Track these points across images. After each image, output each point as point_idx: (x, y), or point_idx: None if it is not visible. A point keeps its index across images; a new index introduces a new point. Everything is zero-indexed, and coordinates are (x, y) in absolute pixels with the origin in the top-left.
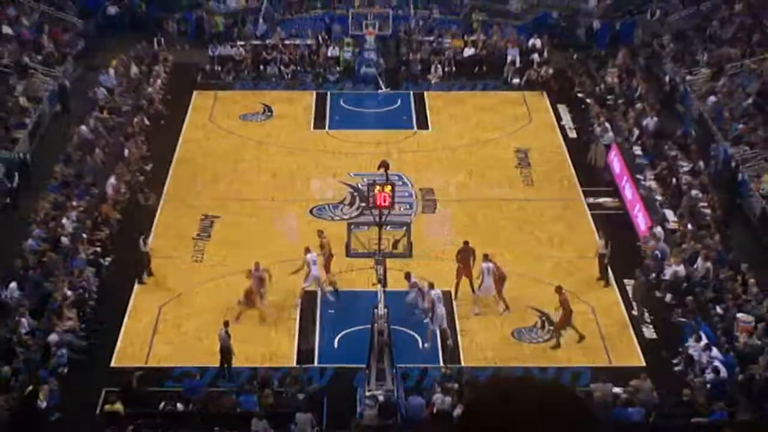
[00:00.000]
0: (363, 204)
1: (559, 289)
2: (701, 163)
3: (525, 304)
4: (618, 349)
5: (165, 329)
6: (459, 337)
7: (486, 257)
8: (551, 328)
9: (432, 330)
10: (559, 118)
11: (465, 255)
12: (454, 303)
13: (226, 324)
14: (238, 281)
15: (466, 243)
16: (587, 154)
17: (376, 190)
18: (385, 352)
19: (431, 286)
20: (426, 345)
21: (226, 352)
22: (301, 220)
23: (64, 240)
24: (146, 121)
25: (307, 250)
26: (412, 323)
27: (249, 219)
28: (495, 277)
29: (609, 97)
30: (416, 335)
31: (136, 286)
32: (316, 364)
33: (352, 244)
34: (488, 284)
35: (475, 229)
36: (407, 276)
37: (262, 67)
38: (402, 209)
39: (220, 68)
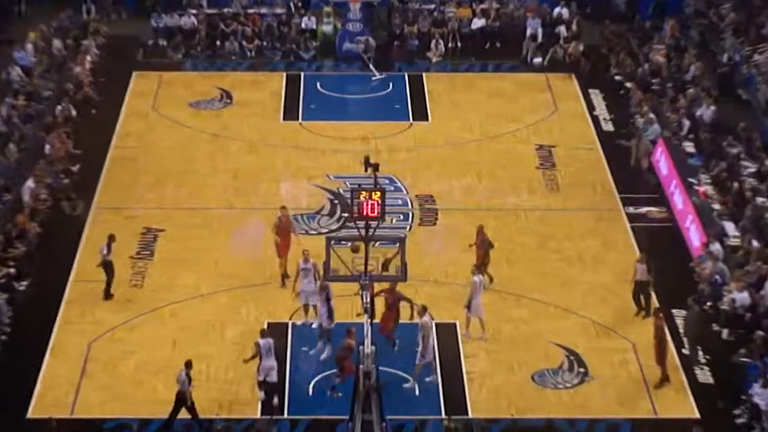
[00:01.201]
0: (345, 214)
1: (656, 312)
2: None
3: (548, 339)
4: (665, 396)
5: (96, 371)
6: (466, 381)
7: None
8: (581, 369)
9: (423, 364)
10: (591, 107)
11: (392, 295)
12: (460, 339)
13: (188, 365)
14: (186, 310)
15: (392, 287)
16: (628, 153)
17: (361, 197)
18: (373, 400)
19: (424, 309)
20: (409, 384)
21: (182, 400)
22: (267, 233)
23: None
24: (73, 110)
25: (306, 259)
26: (406, 364)
27: (201, 232)
28: (480, 252)
29: (654, 80)
30: (411, 378)
31: (57, 318)
32: (285, 415)
33: (332, 264)
34: (478, 303)
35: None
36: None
37: (219, 42)
38: (394, 221)
39: (166, 43)
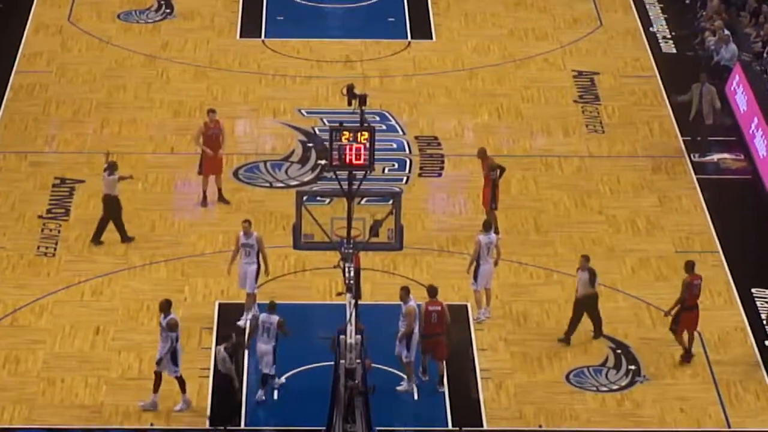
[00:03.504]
0: (321, 161)
1: (689, 268)
2: None
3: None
4: (742, 402)
5: None
6: (480, 381)
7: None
8: (632, 367)
9: (409, 360)
10: (647, 21)
11: None
12: (473, 326)
13: (228, 339)
14: (112, 286)
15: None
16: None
17: (343, 139)
18: (358, 407)
19: (406, 293)
20: (404, 385)
21: (227, 384)
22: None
23: None
24: None
25: (246, 232)
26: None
27: (132, 185)
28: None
29: None
30: (405, 378)
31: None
32: (243, 425)
33: (304, 228)
34: (488, 268)
35: (508, 202)
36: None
37: None
38: (387, 170)
39: None
